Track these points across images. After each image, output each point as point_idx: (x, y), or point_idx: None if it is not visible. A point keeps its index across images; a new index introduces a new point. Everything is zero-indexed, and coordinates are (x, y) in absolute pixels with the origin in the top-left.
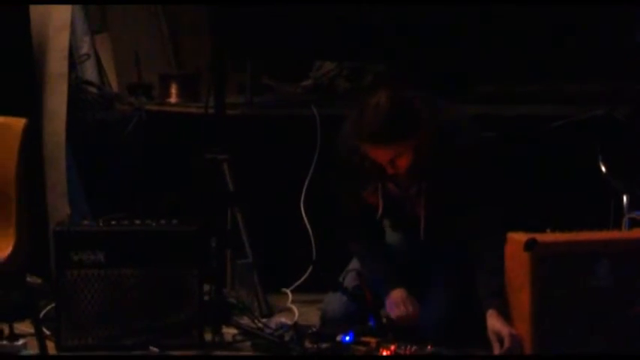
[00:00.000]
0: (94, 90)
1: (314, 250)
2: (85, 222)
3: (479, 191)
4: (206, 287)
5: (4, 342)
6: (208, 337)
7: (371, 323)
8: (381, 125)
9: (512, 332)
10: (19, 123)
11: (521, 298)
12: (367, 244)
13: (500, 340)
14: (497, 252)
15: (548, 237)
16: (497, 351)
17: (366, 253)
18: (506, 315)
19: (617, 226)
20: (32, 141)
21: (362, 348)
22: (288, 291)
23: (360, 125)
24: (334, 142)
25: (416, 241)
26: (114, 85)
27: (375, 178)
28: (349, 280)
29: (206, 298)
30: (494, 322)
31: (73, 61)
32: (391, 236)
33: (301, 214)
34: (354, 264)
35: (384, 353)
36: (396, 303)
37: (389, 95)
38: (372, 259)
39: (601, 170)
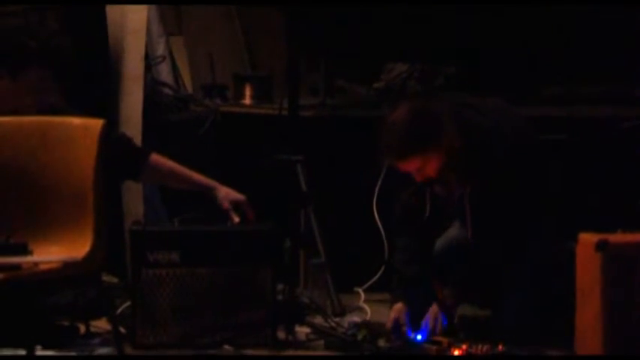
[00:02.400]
0: (169, 92)
1: (386, 249)
2: (161, 222)
3: (514, 194)
4: (279, 287)
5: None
6: (281, 336)
7: (443, 322)
8: (397, 142)
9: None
10: (97, 124)
11: (592, 298)
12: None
13: None
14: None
15: (619, 237)
16: None
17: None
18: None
19: None
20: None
21: (434, 347)
22: (360, 290)
23: (382, 144)
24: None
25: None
26: (188, 86)
27: (421, 181)
28: None
29: (279, 297)
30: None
31: (149, 63)
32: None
33: (374, 214)
34: None
35: (456, 353)
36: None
37: (406, 109)
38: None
39: None
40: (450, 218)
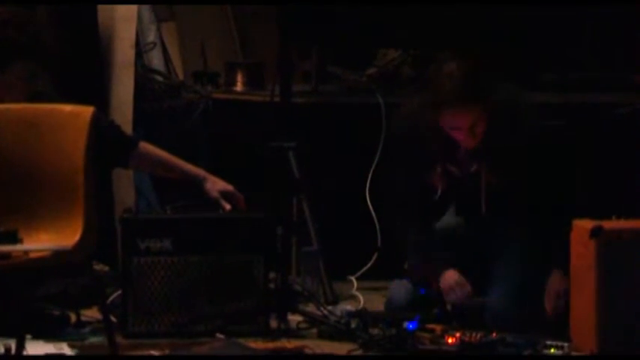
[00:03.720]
0: (160, 78)
1: (379, 237)
2: (152, 210)
3: (552, 174)
4: (272, 275)
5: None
6: (274, 324)
7: (436, 310)
8: (460, 87)
9: (559, 290)
10: (87, 111)
11: (586, 285)
12: (420, 226)
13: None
14: (562, 235)
15: (614, 224)
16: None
17: (418, 235)
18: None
19: None
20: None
21: (427, 335)
22: (353, 278)
23: (436, 94)
24: (391, 125)
25: (477, 221)
26: (180, 73)
27: (436, 158)
28: None
29: (272, 285)
30: (554, 280)
31: (139, 49)
32: (451, 217)
33: (367, 202)
34: None
35: (449, 340)
36: (450, 286)
37: (459, 61)
38: (425, 241)
39: None
40: (462, 197)
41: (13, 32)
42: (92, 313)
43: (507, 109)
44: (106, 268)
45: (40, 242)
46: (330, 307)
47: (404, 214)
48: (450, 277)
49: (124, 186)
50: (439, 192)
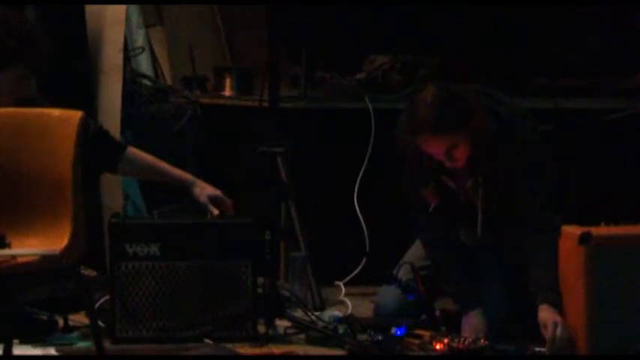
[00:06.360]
0: (148, 83)
1: (367, 242)
2: (140, 215)
3: (535, 185)
4: (260, 280)
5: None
6: (262, 329)
7: (424, 316)
8: (431, 116)
9: (557, 320)
10: (75, 115)
11: (575, 292)
12: (445, 251)
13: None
14: (551, 247)
15: (602, 230)
16: (547, 338)
17: (443, 261)
18: (560, 309)
19: None
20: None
21: (415, 341)
22: (341, 284)
23: (411, 120)
24: (392, 138)
25: (471, 236)
26: (168, 77)
27: (430, 172)
28: (403, 272)
29: (260, 290)
30: (543, 313)
31: (128, 54)
32: None
33: (355, 207)
34: (408, 256)
35: (437, 346)
36: (473, 328)
37: (437, 89)
38: (450, 268)
39: None
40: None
41: (3, 35)
42: (80, 318)
43: (488, 132)
44: (94, 273)
45: (28, 247)
46: (318, 313)
47: (424, 236)
48: (472, 318)
49: (112, 191)
50: (432, 206)
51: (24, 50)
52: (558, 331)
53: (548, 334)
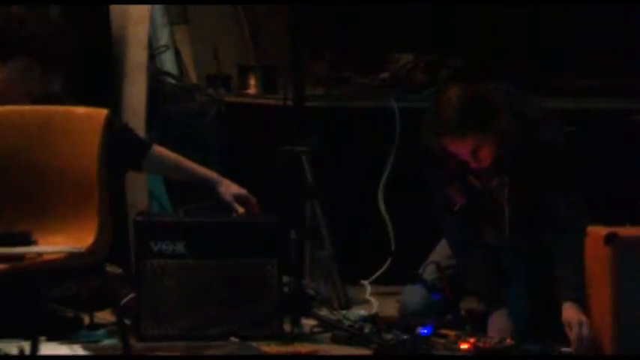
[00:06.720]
0: (172, 81)
1: (392, 241)
2: (166, 213)
3: (561, 185)
4: (285, 279)
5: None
6: (287, 328)
7: (450, 316)
8: (455, 117)
9: (582, 320)
10: (100, 114)
11: (601, 292)
12: (471, 251)
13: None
14: (577, 247)
15: (628, 231)
16: (572, 338)
17: (469, 261)
18: (585, 308)
19: None
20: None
21: (440, 341)
22: (366, 283)
23: (435, 122)
24: (417, 137)
25: (497, 235)
26: (192, 76)
27: (456, 172)
28: (428, 272)
29: (285, 289)
30: (567, 312)
31: (152, 52)
32: None
33: (380, 206)
34: (434, 256)
35: (463, 346)
36: (499, 327)
37: (461, 90)
38: (476, 268)
39: None
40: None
41: (17, 26)
42: (106, 316)
43: (513, 132)
44: (119, 271)
45: (54, 244)
46: (343, 312)
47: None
48: (497, 318)
49: (137, 189)
50: (457, 206)
51: (29, 42)
52: (584, 330)
53: (573, 333)
